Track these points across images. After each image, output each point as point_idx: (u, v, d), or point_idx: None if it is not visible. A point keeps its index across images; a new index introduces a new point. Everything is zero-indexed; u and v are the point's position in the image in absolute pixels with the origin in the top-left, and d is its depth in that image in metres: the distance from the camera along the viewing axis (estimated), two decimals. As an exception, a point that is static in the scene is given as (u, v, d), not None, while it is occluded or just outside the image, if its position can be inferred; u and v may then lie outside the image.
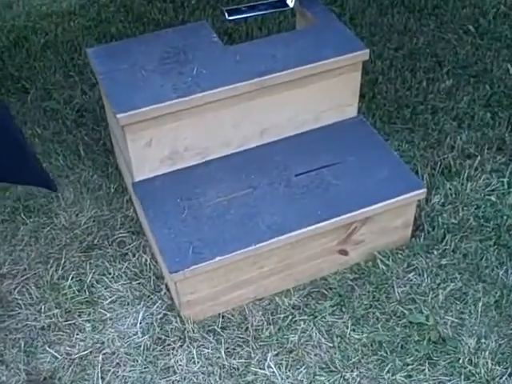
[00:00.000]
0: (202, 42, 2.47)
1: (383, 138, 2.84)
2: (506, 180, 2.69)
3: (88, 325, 2.29)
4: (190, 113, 2.30)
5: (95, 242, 2.56)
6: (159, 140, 2.32)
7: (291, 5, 2.54)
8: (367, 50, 2.42)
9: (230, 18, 2.49)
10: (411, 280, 2.38)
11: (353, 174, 2.38)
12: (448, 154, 2.83)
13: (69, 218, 2.64)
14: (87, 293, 2.38)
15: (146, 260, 2.46)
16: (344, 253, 2.39)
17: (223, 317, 2.30)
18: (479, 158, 2.79)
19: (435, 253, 2.45)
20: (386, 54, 3.37)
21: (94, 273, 2.44)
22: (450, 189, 2.67)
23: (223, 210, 2.28)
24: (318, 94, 2.47)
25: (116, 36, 3.59)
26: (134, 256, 2.49)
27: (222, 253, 2.14)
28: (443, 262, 2.43)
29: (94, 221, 2.64)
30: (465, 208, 2.60)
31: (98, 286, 2.40)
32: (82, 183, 2.77)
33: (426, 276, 2.38)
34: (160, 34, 2.55)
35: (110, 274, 2.44)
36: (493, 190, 2.67)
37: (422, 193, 2.35)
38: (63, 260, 2.49)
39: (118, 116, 2.18)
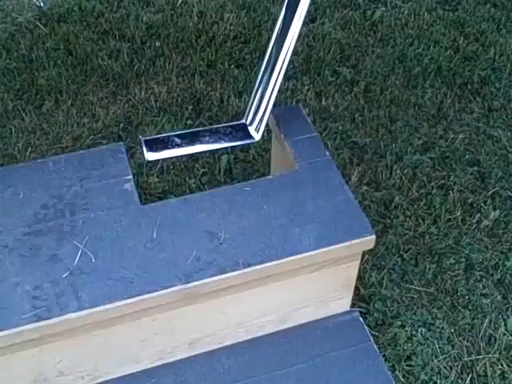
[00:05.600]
0: (105, 191, 1.52)
1: (390, 312, 1.91)
2: None
3: None
4: (62, 335, 1.36)
5: None
6: (10, 368, 1.40)
7: (257, 137, 1.56)
8: (372, 237, 1.45)
9: (150, 157, 1.52)
10: None
11: None
12: (484, 353, 1.88)
13: None
14: None
15: None
16: None
17: None
18: (532, 365, 1.84)
19: None
20: (409, 155, 2.39)
21: None
22: (483, 430, 1.72)
23: None
24: (286, 291, 1.53)
25: (44, 90, 2.63)
26: None
27: None
28: None
29: None
30: None
31: None
32: None
33: None
34: (46, 164, 1.60)
35: None
36: (550, 434, 1.72)
37: None
38: None
39: None
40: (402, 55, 2.80)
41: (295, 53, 2.78)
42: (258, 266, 1.39)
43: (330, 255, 1.45)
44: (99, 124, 2.50)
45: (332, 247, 1.43)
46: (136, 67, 2.75)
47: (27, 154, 2.39)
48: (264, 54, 1.60)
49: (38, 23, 2.99)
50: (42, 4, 3.07)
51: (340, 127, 2.48)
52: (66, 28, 2.95)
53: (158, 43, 2.87)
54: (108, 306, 1.33)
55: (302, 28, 1.52)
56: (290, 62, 1.59)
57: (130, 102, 2.61)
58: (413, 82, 2.68)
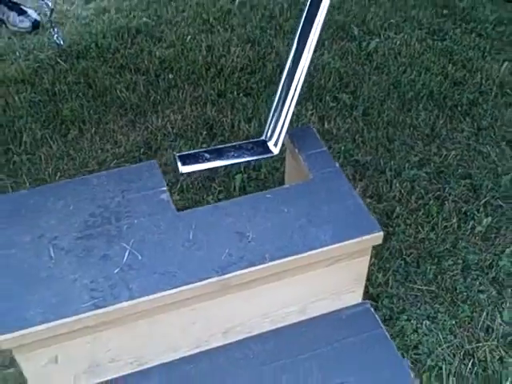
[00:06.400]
0: (145, 201, 1.74)
1: (396, 308, 2.12)
2: None
3: None
4: (113, 323, 1.56)
5: None
6: (70, 356, 1.60)
7: (275, 151, 1.79)
8: (380, 234, 1.67)
9: (184, 169, 1.74)
10: None
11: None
12: (483, 340, 2.08)
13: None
14: None
15: None
16: None
17: None
18: (527, 352, 2.04)
19: None
20: (407, 171, 2.61)
21: None
22: (485, 406, 1.92)
23: None
24: (305, 285, 1.74)
25: (68, 120, 2.86)
26: None
27: None
28: None
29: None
30: None
31: None
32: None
33: None
34: (90, 180, 1.81)
35: None
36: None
37: None
38: None
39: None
40: (397, 81, 3.05)
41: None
42: (282, 260, 1.60)
43: (344, 250, 1.66)
44: (121, 149, 2.72)
45: (345, 242, 1.64)
46: (152, 97, 2.98)
47: (57, 178, 2.60)
48: (280, 77, 1.83)
49: (58, 60, 3.23)
50: (61, 42, 3.32)
51: (342, 147, 2.71)
52: (84, 63, 3.19)
53: (171, 75, 3.11)
54: (155, 296, 1.53)
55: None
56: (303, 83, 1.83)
57: (149, 128, 2.83)
58: (407, 105, 2.93)
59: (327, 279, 1.75)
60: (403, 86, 3.01)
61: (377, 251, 2.32)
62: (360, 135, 2.77)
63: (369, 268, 1.89)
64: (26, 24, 3.52)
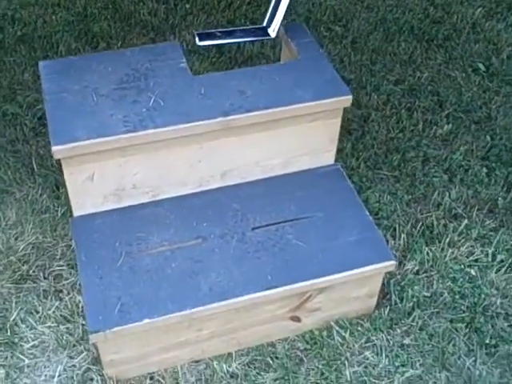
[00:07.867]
0: (167, 68, 2.21)
1: (364, 185, 2.60)
2: (490, 251, 2.42)
3: (1, 371, 2.06)
4: (140, 149, 2.05)
5: (30, 272, 2.33)
6: (103, 175, 2.07)
7: (273, 34, 2.26)
8: (350, 97, 2.15)
9: (201, 43, 2.21)
10: (367, 359, 2.13)
11: (317, 234, 2.13)
12: (433, 212, 2.56)
13: (6, 242, 2.40)
14: (9, 332, 2.15)
15: (80, 302, 2.22)
16: (296, 319, 2.15)
17: (152, 378, 2.08)
18: (466, 220, 2.52)
19: (398, 330, 2.20)
20: (385, 87, 3.08)
21: (20, 309, 2.21)
22: (427, 254, 2.40)
23: (164, 261, 2.04)
24: (290, 138, 2.21)
25: (98, 36, 3.33)
26: (68, 294, 2.26)
27: (152, 314, 1.90)
28: (406, 341, 2.18)
29: (33, 247, 2.40)
30: (440, 280, 2.34)
31: (22, 325, 2.18)
32: (28, 202, 2.53)
33: (384, 356, 2.13)
34: (125, 52, 2.29)
35: (37, 312, 2.21)
36: (475, 261, 2.40)
37: (390, 265, 2.10)
38: (-9, 290, 2.27)
39: (54, 148, 1.94)
40: (383, 18, 3.51)
41: (298, 14, 3.52)
42: (273, 109, 2.08)
43: (322, 107, 2.13)
44: (143, 59, 3.19)
45: (323, 101, 2.11)
46: (170, 22, 3.45)
47: (88, 78, 3.07)
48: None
49: (89, -11, 3.70)
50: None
51: (332, 67, 3.18)
52: (112, -7, 3.66)
53: (187, 5, 3.58)
54: (174, 127, 2.01)
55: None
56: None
57: (167, 45, 3.30)
58: (390, 37, 3.39)
59: (308, 135, 2.22)
60: (388, 22, 3.47)
61: (353, 145, 2.80)
62: (348, 58, 3.24)
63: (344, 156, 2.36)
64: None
